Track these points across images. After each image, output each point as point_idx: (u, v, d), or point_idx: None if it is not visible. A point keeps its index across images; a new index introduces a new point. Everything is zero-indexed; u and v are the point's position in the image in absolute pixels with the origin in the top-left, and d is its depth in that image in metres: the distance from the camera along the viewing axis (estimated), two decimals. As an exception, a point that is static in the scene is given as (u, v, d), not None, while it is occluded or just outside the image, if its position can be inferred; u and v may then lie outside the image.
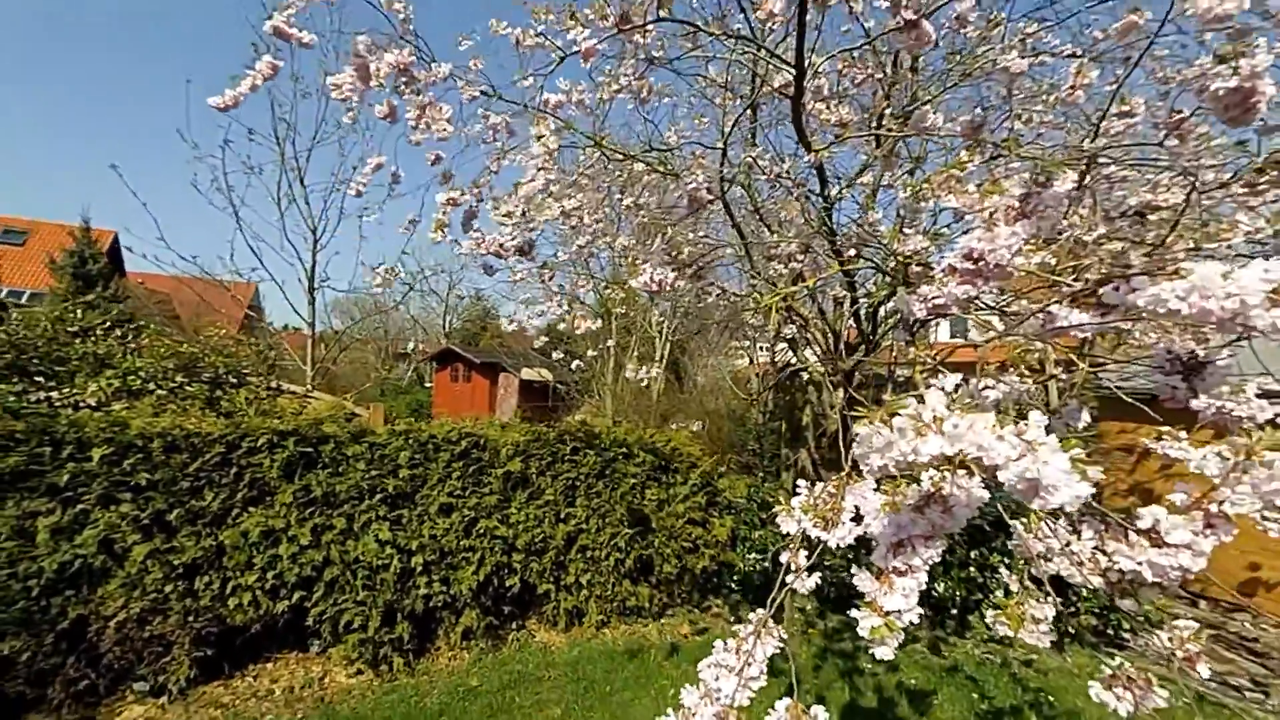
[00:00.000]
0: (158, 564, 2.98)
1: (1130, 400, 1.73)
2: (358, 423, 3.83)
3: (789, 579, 0.93)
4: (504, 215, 2.61)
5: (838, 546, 0.85)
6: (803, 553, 0.95)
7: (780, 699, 0.86)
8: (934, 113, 2.20)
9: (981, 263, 0.92)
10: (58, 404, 3.32)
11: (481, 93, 2.72)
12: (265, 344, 11.24)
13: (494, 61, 2.90)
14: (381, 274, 3.27)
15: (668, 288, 1.56)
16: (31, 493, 2.82)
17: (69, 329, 3.57)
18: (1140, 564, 0.89)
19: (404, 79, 2.38)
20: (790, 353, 4.55)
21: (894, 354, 2.63)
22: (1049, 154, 2.28)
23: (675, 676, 3.74)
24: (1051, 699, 3.62)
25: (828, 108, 2.24)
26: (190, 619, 3.07)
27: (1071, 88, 1.69)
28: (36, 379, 3.34)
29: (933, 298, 0.98)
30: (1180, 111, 1.47)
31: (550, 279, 3.56)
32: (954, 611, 4.57)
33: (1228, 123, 1.08)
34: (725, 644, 0.88)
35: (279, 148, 5.23)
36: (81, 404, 3.36)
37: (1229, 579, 5.23)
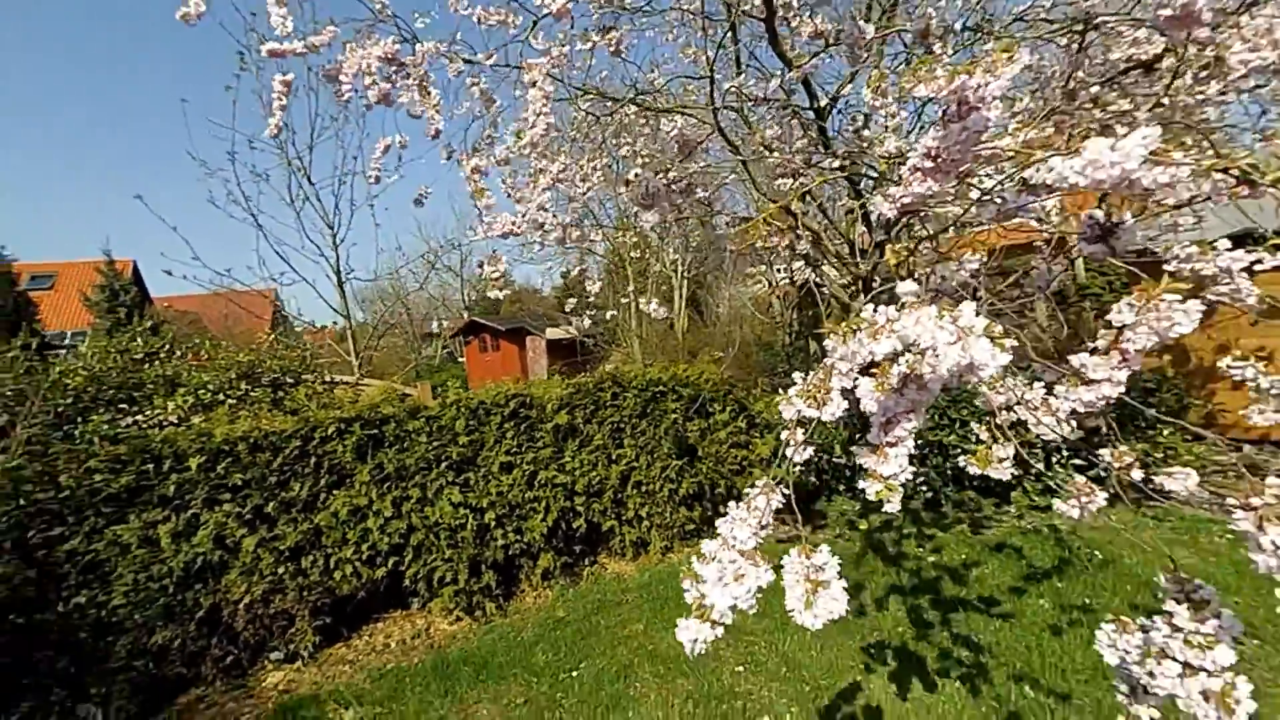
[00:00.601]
0: (267, 551, 3.33)
1: (1125, 265, 1.81)
2: (410, 401, 4.09)
3: (788, 451, 1.10)
4: (512, 154, 2.68)
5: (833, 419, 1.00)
6: (800, 430, 1.10)
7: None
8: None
9: (940, 159, 1.02)
10: (144, 425, 3.64)
11: (466, 61, 2.77)
12: (298, 344, 11.63)
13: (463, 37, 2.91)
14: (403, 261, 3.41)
15: (662, 201, 1.68)
16: (147, 505, 3.16)
17: (134, 357, 3.86)
18: (1074, 400, 1.03)
19: (393, 67, 2.46)
20: (808, 270, 4.62)
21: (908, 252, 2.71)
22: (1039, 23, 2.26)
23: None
24: (1097, 552, 3.83)
25: (801, 20, 2.24)
26: (305, 594, 3.45)
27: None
28: (120, 407, 3.65)
29: (900, 197, 1.08)
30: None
31: (557, 236, 3.69)
32: (995, 488, 4.77)
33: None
34: (738, 505, 1.06)
35: (281, 151, 5.33)
36: (165, 422, 3.67)
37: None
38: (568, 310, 5.77)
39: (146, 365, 3.80)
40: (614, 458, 4.35)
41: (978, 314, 0.86)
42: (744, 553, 0.97)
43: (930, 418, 4.80)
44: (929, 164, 1.11)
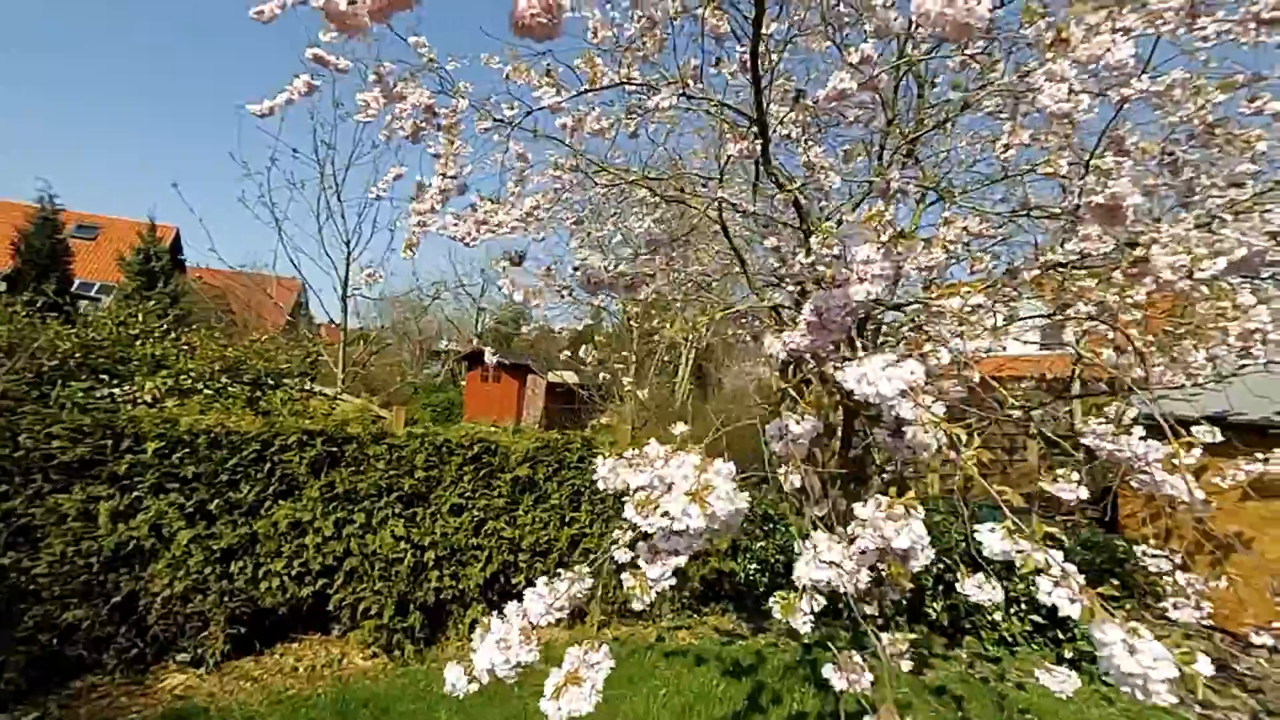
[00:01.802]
0: (199, 548, 3.33)
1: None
2: (381, 425, 4.14)
3: (614, 551, 1.12)
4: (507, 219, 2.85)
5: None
6: (628, 533, 1.12)
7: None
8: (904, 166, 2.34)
9: (824, 317, 1.09)
10: (119, 399, 3.72)
11: (495, 121, 2.98)
12: (305, 344, 11.85)
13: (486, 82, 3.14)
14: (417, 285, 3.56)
15: (606, 289, 1.78)
16: (95, 480, 3.20)
17: (130, 331, 3.99)
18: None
19: (427, 114, 2.66)
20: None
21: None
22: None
23: (668, 677, 3.92)
24: (1033, 718, 3.67)
25: (803, 147, 2.40)
26: (226, 599, 3.41)
27: (1005, 146, 1.82)
28: (102, 376, 3.75)
29: (788, 343, 1.15)
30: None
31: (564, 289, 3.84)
32: (949, 631, 4.62)
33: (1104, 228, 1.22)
34: (547, 581, 1.09)
35: (319, 166, 5.64)
36: (139, 400, 3.75)
37: (1251, 615, 5.12)
38: (571, 356, 5.88)
39: (138, 342, 3.92)
40: (568, 520, 4.32)
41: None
42: (523, 628, 1.00)
43: (892, 542, 4.73)
44: (815, 319, 1.19)
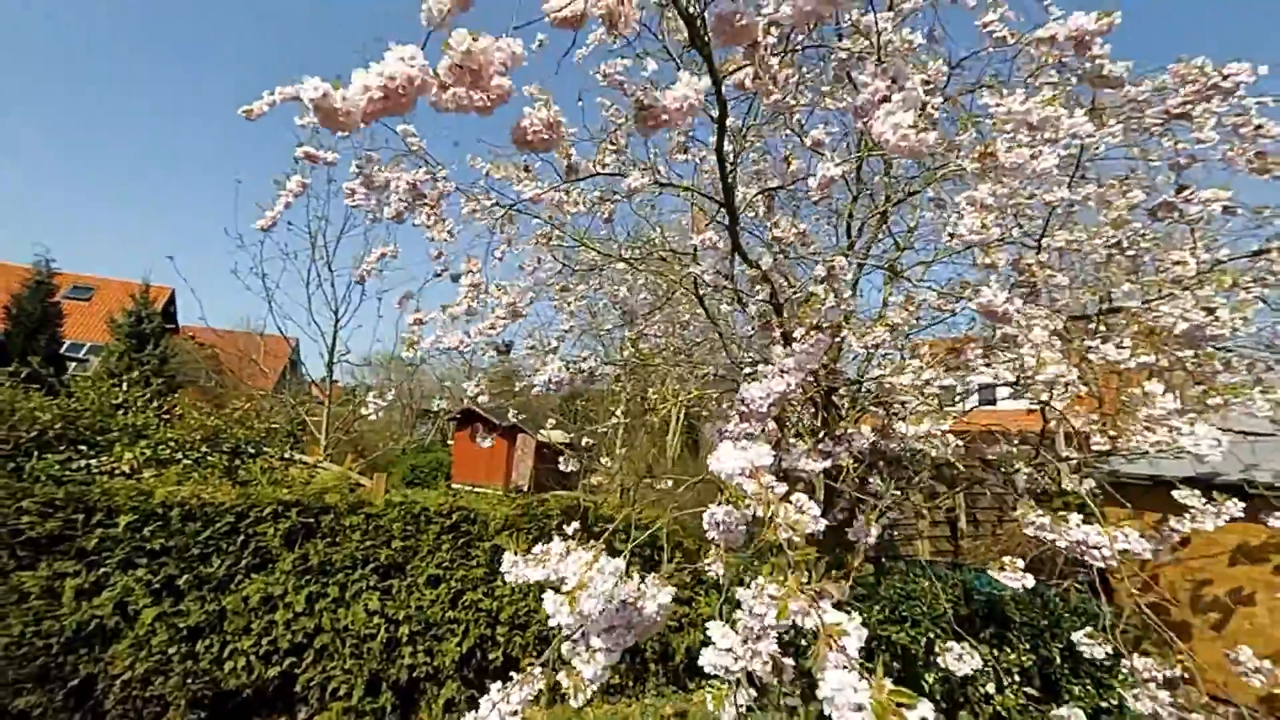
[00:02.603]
0: (164, 626, 3.23)
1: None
2: (360, 493, 4.11)
3: (562, 648, 1.13)
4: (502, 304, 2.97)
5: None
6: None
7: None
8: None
9: (753, 408, 1.16)
10: (95, 471, 3.70)
11: (482, 205, 3.14)
12: (294, 403, 11.79)
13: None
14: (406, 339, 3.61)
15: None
16: (63, 555, 3.15)
17: (112, 401, 4.00)
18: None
19: (413, 194, 2.81)
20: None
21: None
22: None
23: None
24: (1035, 806, 3.51)
25: (769, 225, 2.55)
26: (189, 681, 3.28)
27: (950, 235, 1.96)
28: (80, 447, 3.74)
29: (725, 432, 1.22)
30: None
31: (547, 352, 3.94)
32: (942, 704, 4.47)
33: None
34: (502, 688, 1.09)
35: (311, 238, 5.83)
36: (117, 471, 3.73)
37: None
38: (562, 416, 5.89)
39: (120, 411, 3.93)
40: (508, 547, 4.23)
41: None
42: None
43: (880, 611, 4.64)
44: (744, 409, 1.26)
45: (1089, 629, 2.33)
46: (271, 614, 3.46)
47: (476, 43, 0.70)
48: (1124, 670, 4.46)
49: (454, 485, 15.32)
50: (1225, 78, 2.16)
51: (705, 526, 1.27)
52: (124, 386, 4.14)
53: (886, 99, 0.90)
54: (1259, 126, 2.46)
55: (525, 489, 13.97)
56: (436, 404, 19.50)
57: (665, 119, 0.95)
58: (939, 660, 2.77)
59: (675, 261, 4.15)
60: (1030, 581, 1.90)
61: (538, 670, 1.15)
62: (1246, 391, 2.61)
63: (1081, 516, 1.73)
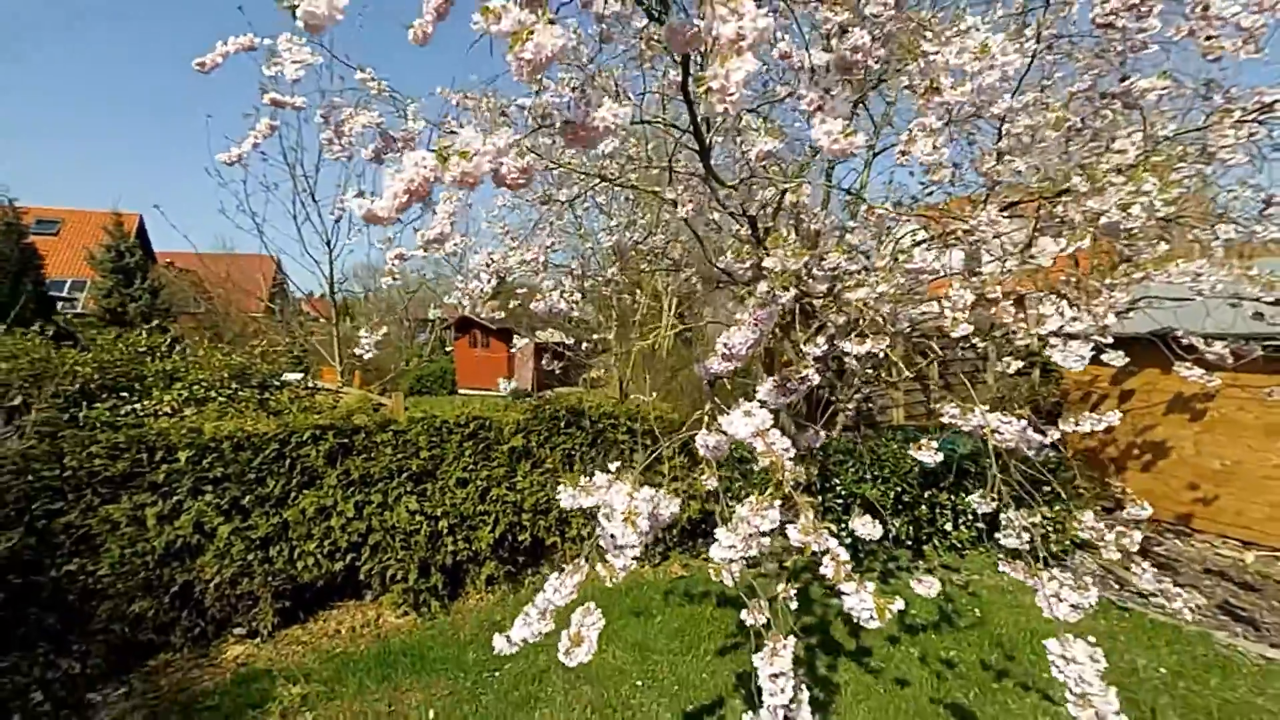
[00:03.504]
0: (239, 539, 3.78)
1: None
2: (382, 413, 4.53)
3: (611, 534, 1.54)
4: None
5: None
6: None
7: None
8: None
9: (732, 351, 1.49)
10: (141, 414, 4.07)
11: (451, 134, 3.23)
12: (292, 320, 11.98)
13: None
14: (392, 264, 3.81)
15: None
16: (138, 489, 3.60)
17: (138, 349, 4.29)
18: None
19: (384, 139, 2.92)
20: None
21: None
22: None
23: (663, 607, 4.51)
24: (977, 610, 4.31)
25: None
26: (269, 579, 3.89)
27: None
28: (121, 394, 4.08)
29: (711, 371, 1.55)
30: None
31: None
32: (909, 544, 5.25)
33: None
34: (557, 577, 1.52)
35: (290, 169, 5.75)
36: (160, 412, 4.10)
37: (1174, 503, 5.79)
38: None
39: (148, 358, 4.22)
40: (563, 481, 4.80)
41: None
42: (541, 610, 1.44)
43: (855, 472, 5.28)
44: (726, 351, 1.58)
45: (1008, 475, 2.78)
46: (327, 521, 4.01)
47: (469, 160, 0.91)
48: (1061, 503, 5.16)
49: (460, 391, 16.02)
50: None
51: (698, 446, 1.63)
52: (144, 334, 4.40)
53: (820, 108, 1.10)
54: (1206, 7, 2.54)
55: (529, 390, 14.63)
56: (433, 312, 19.73)
57: (591, 136, 1.14)
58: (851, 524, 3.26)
59: (653, 182, 4.25)
60: (940, 457, 2.32)
61: (582, 562, 1.55)
62: (1163, 265, 2.93)
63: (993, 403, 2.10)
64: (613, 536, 1.35)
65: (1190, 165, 2.94)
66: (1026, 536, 1.97)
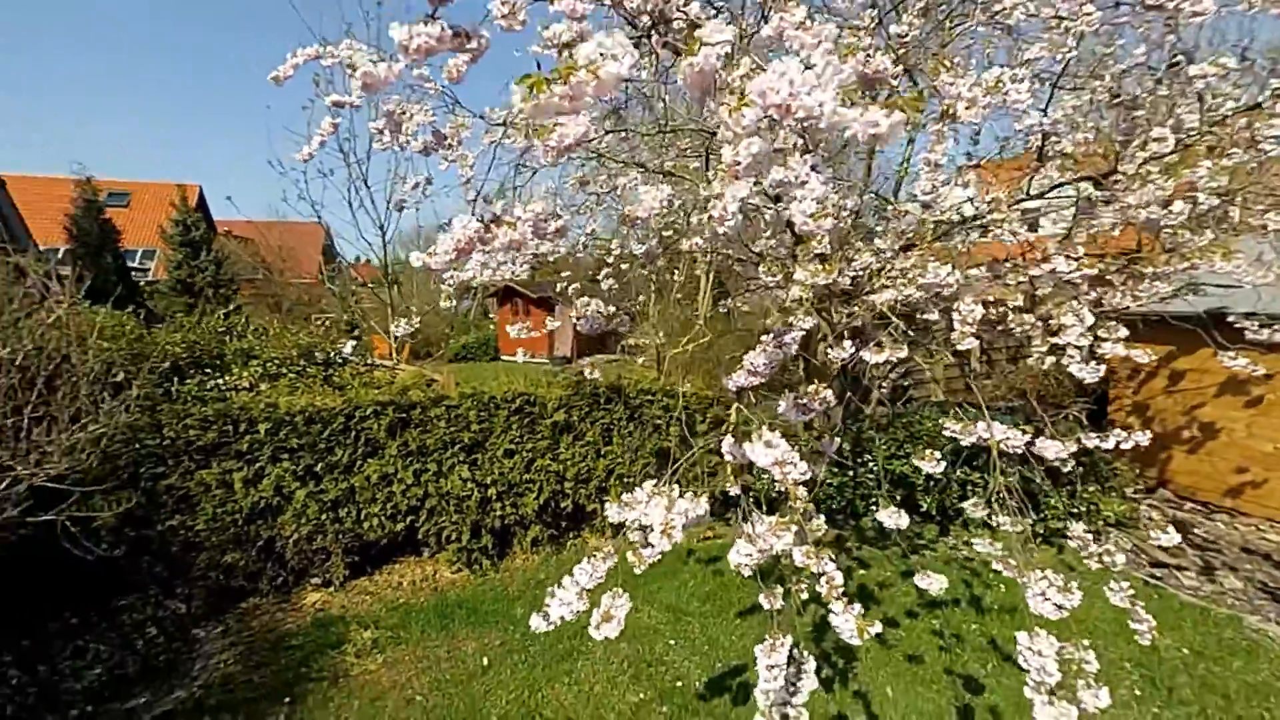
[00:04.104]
0: (313, 501, 4.21)
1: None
2: (435, 388, 4.87)
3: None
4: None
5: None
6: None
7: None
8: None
9: (757, 370, 1.65)
10: (224, 388, 4.51)
11: (495, 125, 3.41)
12: (343, 288, 12.54)
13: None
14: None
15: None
16: (226, 456, 4.04)
17: (219, 329, 4.71)
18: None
19: (436, 138, 3.11)
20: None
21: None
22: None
23: (695, 571, 4.80)
24: (1001, 586, 4.43)
25: None
26: (340, 536, 4.34)
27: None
28: (206, 370, 4.52)
29: (736, 381, 1.72)
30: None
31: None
32: (937, 519, 5.36)
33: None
34: (589, 562, 1.74)
35: (344, 156, 6.04)
36: (240, 387, 4.53)
37: (1220, 484, 5.68)
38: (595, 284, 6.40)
39: (227, 337, 4.64)
40: (602, 453, 5.09)
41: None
42: (584, 589, 1.66)
43: (887, 449, 5.38)
44: (753, 369, 1.75)
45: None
46: (389, 487, 4.40)
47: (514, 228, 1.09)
48: (1091, 485, 5.15)
49: (503, 357, 16.56)
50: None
51: (724, 452, 1.81)
52: (222, 316, 4.83)
53: (805, 183, 1.22)
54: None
55: (569, 357, 15.00)
56: (476, 280, 20.25)
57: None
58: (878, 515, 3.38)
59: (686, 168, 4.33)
60: (943, 465, 2.43)
61: (610, 550, 1.76)
62: (1209, 254, 2.89)
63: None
64: (649, 543, 1.55)
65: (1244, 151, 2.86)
66: (1020, 527, 2.09)
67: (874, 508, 5.45)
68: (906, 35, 2.30)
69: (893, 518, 2.44)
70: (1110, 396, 6.46)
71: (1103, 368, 2.45)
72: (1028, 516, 2.24)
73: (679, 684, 3.47)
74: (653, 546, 1.59)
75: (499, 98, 3.50)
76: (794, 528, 1.57)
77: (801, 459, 1.59)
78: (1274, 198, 3.38)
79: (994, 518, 5.28)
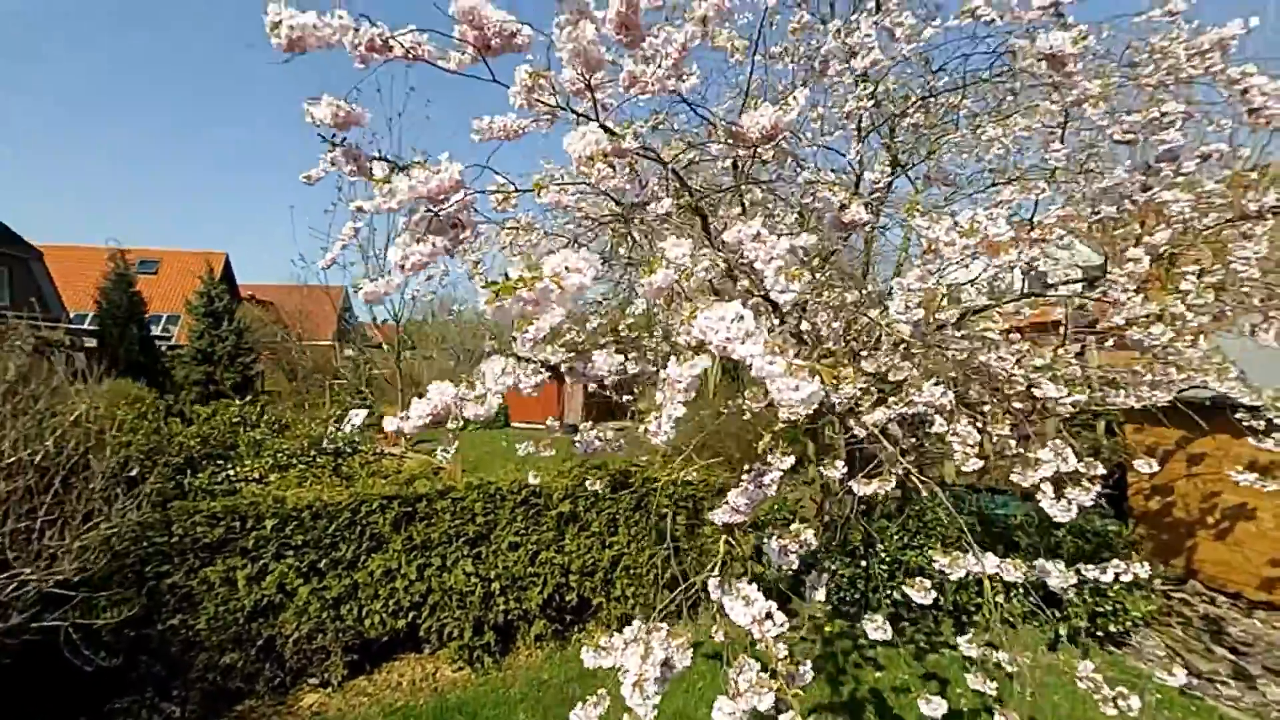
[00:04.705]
0: (315, 598, 4.16)
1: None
2: (442, 476, 4.89)
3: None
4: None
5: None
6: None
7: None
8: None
9: (739, 509, 1.66)
10: (234, 480, 4.56)
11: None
12: (357, 348, 12.74)
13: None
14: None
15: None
16: (231, 553, 4.05)
17: (232, 420, 4.82)
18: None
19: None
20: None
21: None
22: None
23: (702, 670, 4.62)
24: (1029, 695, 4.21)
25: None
26: (340, 635, 4.26)
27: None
28: (219, 461, 4.59)
29: (722, 522, 1.73)
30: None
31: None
32: (953, 613, 5.17)
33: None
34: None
35: (361, 250, 6.37)
36: (250, 478, 4.59)
37: (1252, 576, 5.46)
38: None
39: (241, 428, 4.75)
40: (608, 543, 5.02)
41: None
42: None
43: (898, 539, 5.26)
44: (733, 510, 1.77)
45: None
46: (392, 583, 4.36)
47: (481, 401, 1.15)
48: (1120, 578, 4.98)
49: (514, 423, 16.61)
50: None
51: (710, 592, 1.80)
52: (237, 407, 4.95)
53: (772, 259, 1.29)
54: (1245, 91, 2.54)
55: (577, 425, 14.98)
56: (486, 345, 20.64)
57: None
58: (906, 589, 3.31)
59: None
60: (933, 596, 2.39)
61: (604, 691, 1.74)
62: (1205, 371, 2.92)
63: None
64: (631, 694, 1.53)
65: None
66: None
67: (886, 600, 5.29)
68: (879, 182, 2.44)
69: (878, 631, 2.38)
70: (1129, 481, 6.32)
71: (1089, 500, 2.43)
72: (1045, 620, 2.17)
73: (685, 809, 3.29)
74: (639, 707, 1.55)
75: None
76: (775, 688, 1.53)
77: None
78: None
79: (1011, 615, 5.07)
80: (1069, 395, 2.48)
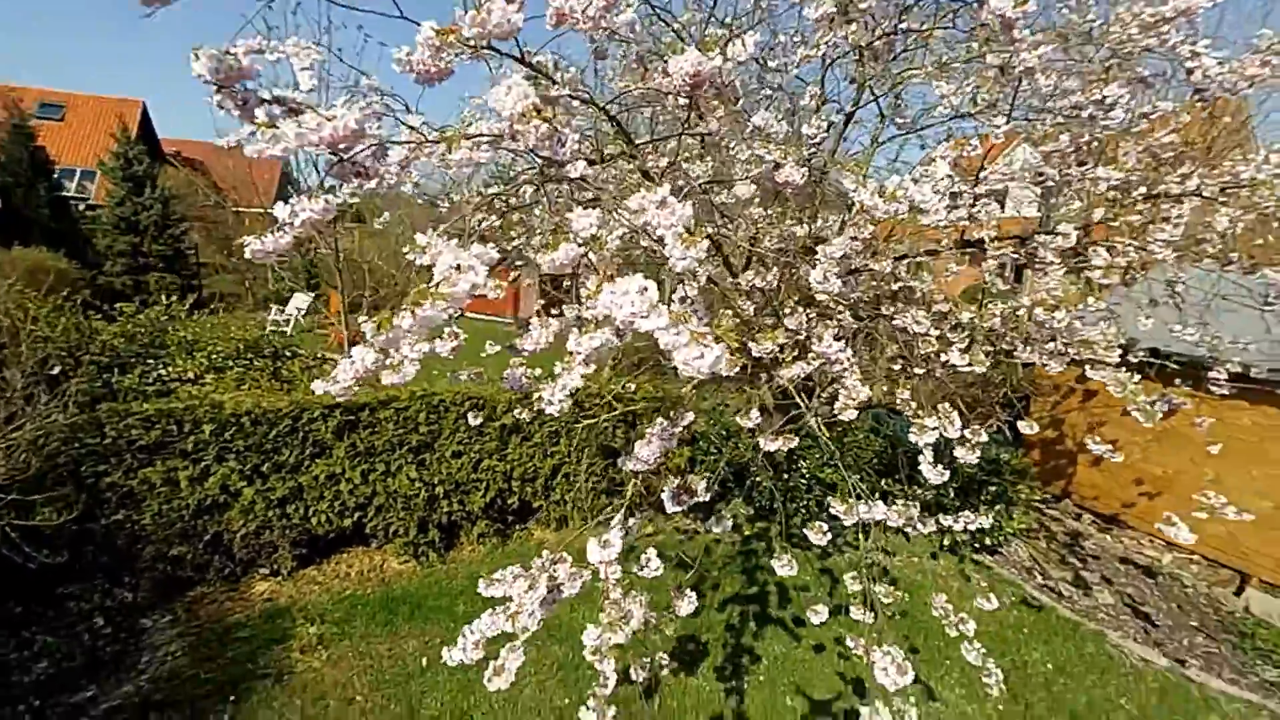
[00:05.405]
0: (261, 499, 4.31)
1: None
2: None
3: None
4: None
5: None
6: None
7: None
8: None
9: (644, 460, 1.83)
10: (166, 379, 4.49)
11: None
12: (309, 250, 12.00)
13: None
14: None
15: None
16: (170, 455, 4.09)
17: (161, 318, 4.64)
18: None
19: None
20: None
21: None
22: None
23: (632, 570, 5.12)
24: (905, 593, 4.89)
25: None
26: (287, 531, 4.47)
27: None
28: (148, 361, 4.49)
29: (633, 470, 1.90)
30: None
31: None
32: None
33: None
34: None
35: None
36: (183, 378, 4.52)
37: (1115, 500, 6.24)
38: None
39: (170, 326, 4.58)
40: (550, 453, 5.28)
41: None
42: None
43: (819, 457, 5.72)
44: (639, 460, 1.93)
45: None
46: (336, 486, 4.53)
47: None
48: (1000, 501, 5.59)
49: (468, 315, 16.40)
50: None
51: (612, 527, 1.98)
52: (166, 303, 4.73)
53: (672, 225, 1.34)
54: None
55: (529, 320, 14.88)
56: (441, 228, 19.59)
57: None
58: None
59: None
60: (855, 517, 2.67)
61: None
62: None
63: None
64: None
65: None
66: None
67: (803, 510, 5.84)
68: (816, 137, 2.39)
69: (785, 568, 2.70)
70: (1030, 411, 6.92)
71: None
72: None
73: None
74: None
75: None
76: (625, 627, 1.78)
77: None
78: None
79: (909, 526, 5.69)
80: (970, 365, 2.68)
